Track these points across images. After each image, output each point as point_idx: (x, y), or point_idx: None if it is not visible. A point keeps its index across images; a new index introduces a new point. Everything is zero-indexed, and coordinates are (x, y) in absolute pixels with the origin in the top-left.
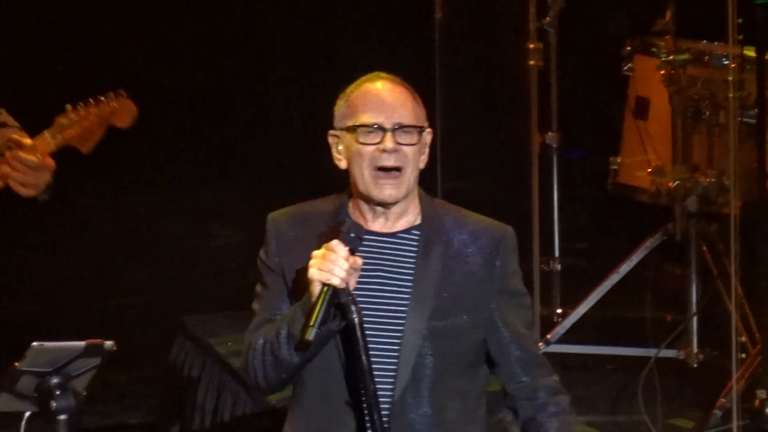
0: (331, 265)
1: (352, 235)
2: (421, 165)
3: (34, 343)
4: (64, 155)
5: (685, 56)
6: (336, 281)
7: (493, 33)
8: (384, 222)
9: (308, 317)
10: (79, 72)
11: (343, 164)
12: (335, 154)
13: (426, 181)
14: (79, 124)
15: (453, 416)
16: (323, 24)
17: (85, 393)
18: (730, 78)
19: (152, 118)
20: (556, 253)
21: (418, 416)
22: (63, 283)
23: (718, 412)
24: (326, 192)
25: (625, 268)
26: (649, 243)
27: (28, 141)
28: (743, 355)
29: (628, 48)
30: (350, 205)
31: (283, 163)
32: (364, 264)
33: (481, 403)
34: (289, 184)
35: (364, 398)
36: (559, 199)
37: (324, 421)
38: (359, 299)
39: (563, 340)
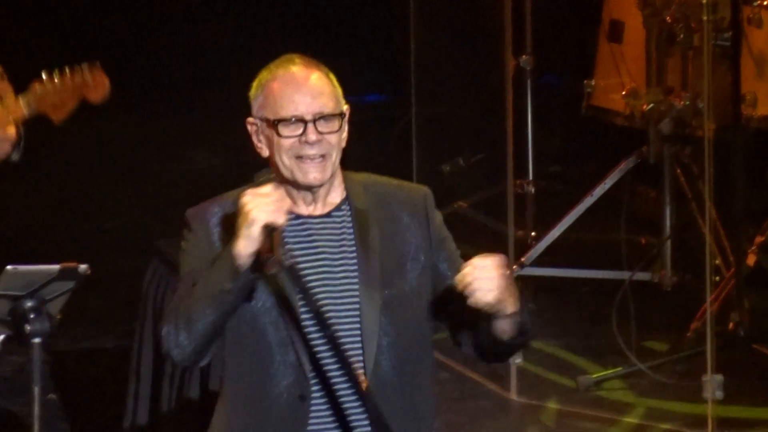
0: (273, 205)
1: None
2: (343, 143)
3: (8, 267)
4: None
5: None
6: (280, 220)
7: None
8: (314, 205)
9: (263, 252)
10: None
11: (264, 152)
12: (256, 143)
13: (399, 107)
14: (54, 93)
15: (420, 379)
16: None
17: (59, 316)
18: (704, 1)
19: (129, 43)
20: (530, 176)
21: (391, 389)
22: (37, 207)
23: (692, 335)
24: None
25: (599, 191)
26: (623, 166)
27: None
28: (717, 278)
29: None
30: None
31: None
32: (308, 250)
33: (432, 357)
34: None
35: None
36: (533, 123)
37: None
38: (310, 284)
39: (537, 262)
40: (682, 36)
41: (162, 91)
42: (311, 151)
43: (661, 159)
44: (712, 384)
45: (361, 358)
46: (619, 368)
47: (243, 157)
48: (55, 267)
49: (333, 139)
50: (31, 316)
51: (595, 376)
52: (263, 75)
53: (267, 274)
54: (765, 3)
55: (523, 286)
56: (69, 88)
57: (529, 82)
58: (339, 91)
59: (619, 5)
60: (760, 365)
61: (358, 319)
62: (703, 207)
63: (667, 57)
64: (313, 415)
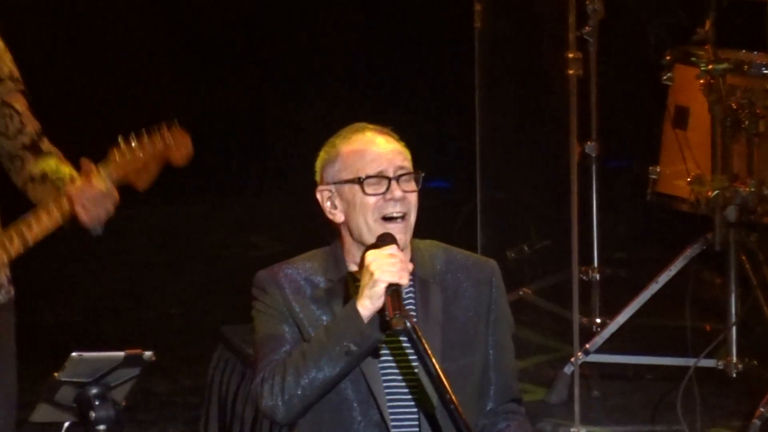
0: (397, 265)
1: (387, 239)
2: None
3: (74, 353)
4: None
5: (725, 65)
6: (405, 280)
7: (532, 42)
8: None
9: (390, 310)
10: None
11: (339, 218)
12: (329, 209)
13: (465, 191)
14: (135, 160)
15: None
16: (364, 38)
17: (124, 403)
18: None
19: (193, 127)
20: (596, 263)
21: None
22: (103, 294)
23: (757, 422)
24: None
25: (664, 277)
26: (689, 252)
27: (94, 169)
28: None
29: (668, 57)
30: (346, 258)
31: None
32: None
33: None
34: None
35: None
36: (599, 209)
37: None
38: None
39: (602, 349)
40: (747, 122)
41: (227, 175)
42: (395, 209)
43: (727, 245)
44: None
45: (417, 428)
46: None
47: (305, 243)
48: (120, 354)
49: (413, 198)
50: (96, 403)
51: None
52: (336, 141)
53: (394, 330)
54: None
55: (588, 373)
56: (150, 152)
57: (594, 167)
58: (409, 155)
59: (685, 91)
60: None
61: (411, 391)
62: None
63: (733, 143)
64: None
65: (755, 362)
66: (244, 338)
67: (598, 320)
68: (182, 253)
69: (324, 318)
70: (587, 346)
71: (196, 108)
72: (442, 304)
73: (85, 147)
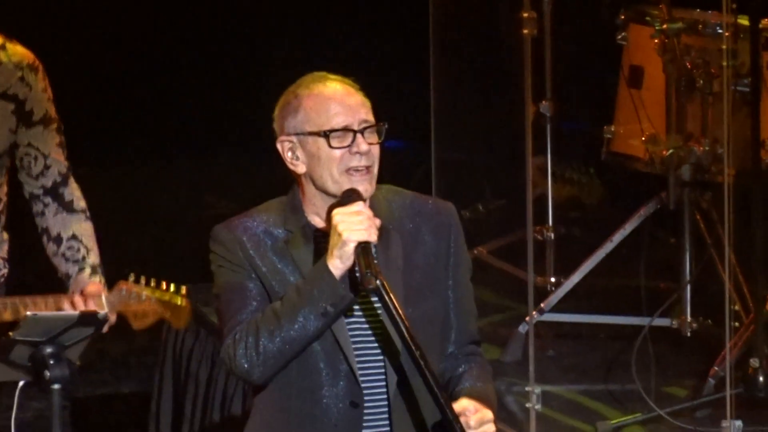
0: (365, 223)
1: (353, 196)
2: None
3: (28, 313)
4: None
5: (680, 25)
6: (373, 237)
7: (487, 2)
8: None
9: (362, 269)
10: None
11: (301, 169)
12: (290, 160)
13: (420, 152)
14: (137, 304)
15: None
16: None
17: (78, 362)
18: (724, 47)
19: (149, 89)
20: (550, 222)
21: (412, 406)
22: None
23: (711, 381)
24: None
25: (618, 236)
26: (643, 212)
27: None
28: (736, 324)
29: (623, 17)
30: (305, 207)
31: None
32: None
33: None
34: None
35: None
36: (553, 168)
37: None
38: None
39: (557, 309)
40: (701, 82)
41: (180, 136)
42: (361, 162)
43: (681, 205)
44: (732, 430)
45: (383, 376)
46: (639, 414)
47: (259, 202)
48: (75, 313)
49: (376, 150)
50: (51, 362)
51: (614, 421)
52: (298, 91)
53: (366, 288)
54: None
55: (543, 332)
56: (153, 305)
57: (549, 127)
58: (369, 105)
59: (639, 51)
60: None
61: (378, 342)
62: (723, 252)
63: (687, 103)
64: (366, 420)
65: (709, 321)
66: (198, 298)
67: (553, 279)
68: (136, 214)
69: (286, 270)
70: (542, 305)
71: (148, 67)
72: (402, 251)
73: None
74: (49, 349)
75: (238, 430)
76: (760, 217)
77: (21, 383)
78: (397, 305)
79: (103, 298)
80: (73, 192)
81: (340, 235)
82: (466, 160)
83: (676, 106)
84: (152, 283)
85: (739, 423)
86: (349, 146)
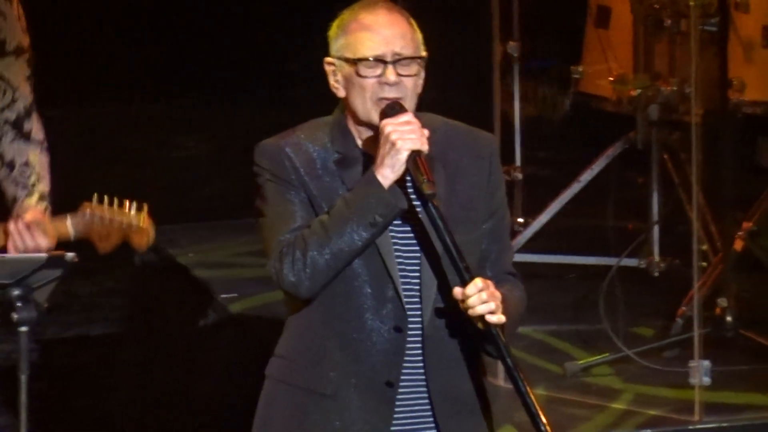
0: (417, 132)
1: (396, 107)
2: (419, 90)
3: None
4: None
5: None
6: (425, 146)
7: None
8: None
9: (418, 177)
10: None
11: (341, 93)
12: (333, 83)
13: None
14: (101, 226)
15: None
16: None
17: (46, 305)
18: None
19: (117, 30)
20: (518, 162)
21: (450, 335)
22: None
23: (679, 321)
24: (288, 102)
25: (586, 176)
26: (611, 151)
27: (50, 227)
28: (704, 264)
29: None
30: (352, 130)
31: (247, 75)
32: None
33: None
34: (253, 96)
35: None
36: (521, 109)
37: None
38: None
39: (525, 248)
40: (669, 21)
41: (149, 77)
42: (390, 94)
43: (649, 144)
44: (700, 369)
45: (419, 303)
46: (607, 354)
47: (230, 143)
48: (42, 255)
49: (410, 83)
50: (18, 304)
51: (582, 362)
52: (345, 15)
53: (427, 194)
54: None
55: None
56: (116, 225)
57: (516, 67)
58: (420, 36)
59: None
60: (747, 351)
61: (419, 265)
62: (691, 192)
63: (655, 42)
64: (409, 346)
65: (677, 261)
66: (166, 239)
67: (521, 220)
68: (105, 154)
69: (339, 191)
70: None
71: (119, 10)
72: (444, 181)
73: None
74: (16, 292)
75: (208, 369)
76: (728, 156)
77: None
78: (443, 217)
79: (68, 220)
80: (34, 124)
81: (393, 144)
82: (434, 99)
83: (644, 45)
84: (115, 204)
85: (707, 363)
86: (378, 76)
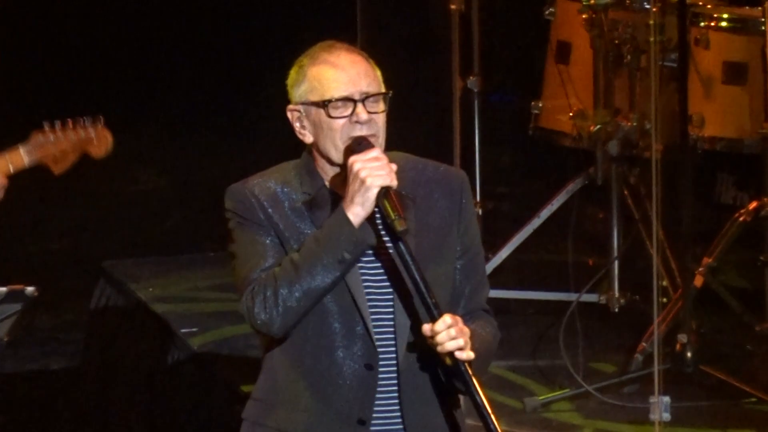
0: (386, 168)
1: (364, 143)
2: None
3: None
4: None
5: (607, 0)
6: (395, 182)
7: None
8: None
9: (389, 213)
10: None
11: (308, 138)
12: (299, 130)
13: None
14: (55, 145)
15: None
16: None
17: (6, 338)
18: (652, 22)
19: (76, 60)
20: (478, 197)
21: (425, 370)
22: None
23: (639, 357)
24: (248, 135)
25: (546, 212)
26: (571, 187)
27: (1, 162)
28: (664, 300)
29: None
30: (320, 172)
31: (205, 108)
32: None
33: None
34: (212, 129)
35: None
36: (481, 143)
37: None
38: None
39: None
40: (629, 57)
41: (107, 109)
42: (362, 132)
43: (609, 180)
44: (660, 405)
45: (393, 339)
46: (567, 390)
47: (188, 177)
48: (2, 289)
49: (380, 119)
50: None
51: (542, 397)
52: (304, 60)
53: (399, 231)
54: (712, 24)
55: None
56: (71, 141)
57: (476, 102)
58: (380, 73)
59: (567, 26)
60: (707, 387)
61: (391, 302)
62: (651, 228)
63: (615, 78)
64: (384, 382)
65: (637, 297)
66: (126, 273)
67: None
68: (63, 187)
69: (306, 231)
70: None
71: (79, 41)
72: (414, 216)
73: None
74: None
75: (168, 404)
76: (688, 192)
77: None
78: (413, 254)
79: (21, 149)
80: None
81: (363, 181)
82: (394, 134)
83: (604, 81)
84: (69, 123)
85: (666, 399)
86: (349, 116)
